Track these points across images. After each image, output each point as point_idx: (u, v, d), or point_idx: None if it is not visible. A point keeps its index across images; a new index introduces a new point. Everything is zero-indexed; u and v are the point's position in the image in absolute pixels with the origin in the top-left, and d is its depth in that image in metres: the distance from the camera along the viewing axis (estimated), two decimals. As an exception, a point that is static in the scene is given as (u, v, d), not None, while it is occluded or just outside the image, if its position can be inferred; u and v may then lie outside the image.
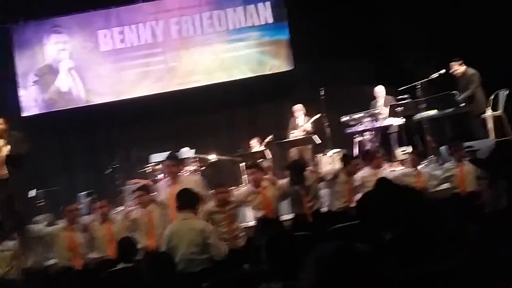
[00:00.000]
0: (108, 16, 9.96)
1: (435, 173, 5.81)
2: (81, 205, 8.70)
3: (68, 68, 9.91)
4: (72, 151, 9.91)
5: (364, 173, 5.56)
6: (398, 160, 7.55)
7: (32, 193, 7.98)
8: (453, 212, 4.55)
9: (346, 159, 5.68)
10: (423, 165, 6.93)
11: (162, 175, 8.28)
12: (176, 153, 8.53)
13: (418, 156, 5.78)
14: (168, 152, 8.39)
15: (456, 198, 5.22)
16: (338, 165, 7.21)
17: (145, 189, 5.31)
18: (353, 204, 5.42)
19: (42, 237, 4.96)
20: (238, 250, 4.76)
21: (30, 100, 9.82)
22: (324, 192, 5.51)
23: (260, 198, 5.13)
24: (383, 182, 2.83)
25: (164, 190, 5.02)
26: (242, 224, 5.25)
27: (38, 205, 7.95)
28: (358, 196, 5.41)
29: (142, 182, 8.15)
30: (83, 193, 8.90)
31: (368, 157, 5.72)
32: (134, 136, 9.75)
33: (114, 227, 4.98)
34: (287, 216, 5.38)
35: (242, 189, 5.38)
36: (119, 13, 9.97)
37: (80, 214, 5.06)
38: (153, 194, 5.23)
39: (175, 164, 5.07)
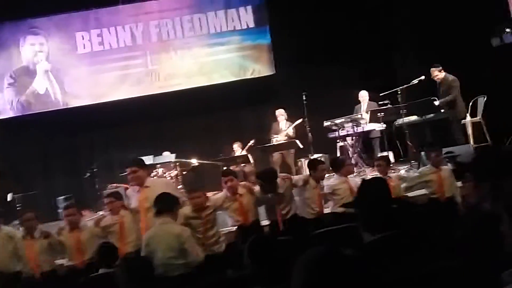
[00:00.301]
0: (86, 18, 9.82)
1: (406, 175, 5.79)
2: (59, 209, 8.58)
3: (45, 70, 9.72)
4: (50, 154, 9.72)
5: (333, 181, 5.52)
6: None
7: (9, 197, 7.78)
8: (435, 217, 4.58)
9: (312, 164, 5.60)
10: (403, 170, 6.97)
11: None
12: (158, 155, 8.47)
13: (386, 163, 5.72)
14: (150, 156, 8.37)
15: (436, 203, 5.22)
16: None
17: (116, 195, 5.18)
18: (326, 211, 5.42)
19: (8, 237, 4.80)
20: (219, 256, 4.69)
21: (6, 103, 9.60)
22: (296, 199, 5.46)
23: (237, 205, 5.07)
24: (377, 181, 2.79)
25: (134, 196, 4.89)
26: (222, 230, 5.17)
27: (16, 209, 7.73)
28: (330, 204, 5.44)
29: (122, 186, 8.04)
30: (61, 197, 8.74)
31: (337, 165, 5.64)
32: (114, 140, 9.62)
33: (83, 235, 4.86)
34: (265, 222, 5.33)
35: (219, 194, 5.28)
36: (98, 15, 9.84)
37: (37, 222, 4.88)
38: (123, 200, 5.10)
39: (137, 169, 4.79)
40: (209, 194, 5.23)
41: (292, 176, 5.74)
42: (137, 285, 2.86)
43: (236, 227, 5.16)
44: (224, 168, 7.33)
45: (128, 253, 4.61)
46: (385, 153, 7.74)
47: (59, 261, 5.13)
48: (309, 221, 5.27)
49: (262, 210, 5.35)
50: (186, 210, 4.82)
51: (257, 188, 5.22)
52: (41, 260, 4.78)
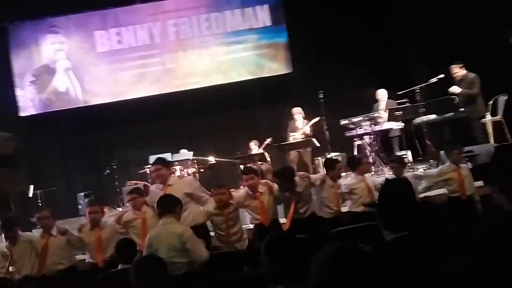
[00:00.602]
0: (105, 17, 9.93)
1: (425, 173, 5.70)
2: (79, 205, 8.71)
3: (65, 68, 9.87)
4: (70, 151, 9.87)
5: (350, 180, 5.49)
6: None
7: (30, 193, 7.92)
8: (456, 216, 4.53)
9: (329, 163, 5.57)
10: (422, 169, 6.90)
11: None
12: (176, 153, 8.52)
13: (400, 163, 5.64)
14: (168, 154, 8.44)
15: (456, 202, 5.15)
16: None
17: (138, 192, 5.26)
18: (343, 210, 5.39)
19: (28, 243, 4.89)
20: (236, 253, 4.71)
21: (27, 100, 9.77)
22: (313, 198, 5.44)
23: (257, 203, 5.07)
24: (400, 182, 2.77)
25: (156, 194, 4.96)
26: (244, 226, 5.20)
27: (37, 204, 7.88)
28: (347, 203, 5.41)
29: (140, 183, 8.14)
30: (81, 193, 8.87)
31: (353, 164, 5.60)
32: (133, 137, 9.73)
33: (104, 233, 4.92)
34: (283, 220, 5.33)
35: (240, 192, 5.30)
36: (117, 14, 9.94)
37: (53, 220, 4.95)
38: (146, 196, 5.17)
39: (161, 167, 4.89)
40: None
41: (310, 175, 5.72)
42: (147, 283, 2.87)
43: (254, 225, 5.17)
44: (243, 166, 7.38)
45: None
46: (403, 152, 7.68)
47: (80, 257, 5.20)
48: (327, 220, 5.25)
49: (280, 208, 5.35)
50: (209, 207, 4.91)
51: (275, 186, 5.23)
52: (60, 257, 4.84)
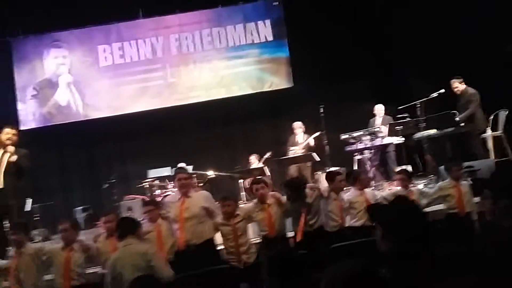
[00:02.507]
0: (108, 32, 10.01)
1: (426, 190, 5.69)
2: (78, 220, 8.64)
3: (67, 82, 9.91)
4: (69, 165, 9.85)
5: (350, 195, 5.47)
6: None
7: (28, 207, 7.87)
8: (454, 233, 4.50)
9: (330, 176, 5.56)
10: (422, 184, 6.87)
11: (159, 191, 8.24)
12: (175, 167, 8.50)
13: (407, 176, 5.63)
14: (168, 168, 8.42)
15: (454, 219, 5.13)
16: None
17: (156, 203, 5.26)
18: (346, 224, 5.36)
19: (40, 255, 4.82)
20: (237, 269, 4.69)
21: (28, 114, 9.80)
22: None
23: (265, 214, 5.06)
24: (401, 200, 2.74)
25: (172, 206, 4.95)
26: (252, 240, 5.18)
27: (34, 219, 7.83)
28: (348, 218, 5.38)
29: (139, 198, 8.10)
30: (79, 208, 8.82)
31: (352, 178, 5.59)
32: (132, 152, 9.71)
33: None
34: (290, 234, 5.29)
35: (249, 204, 5.30)
36: (119, 29, 10.02)
37: (75, 233, 4.87)
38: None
39: (188, 177, 5.01)
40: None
41: (320, 187, 5.69)
42: None
43: (261, 238, 5.15)
44: (253, 177, 7.34)
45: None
46: (403, 167, 7.66)
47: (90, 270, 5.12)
48: (331, 234, 5.22)
49: (287, 221, 5.32)
50: (217, 218, 4.97)
51: (284, 198, 5.21)
52: (75, 273, 4.71)
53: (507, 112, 7.38)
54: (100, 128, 9.63)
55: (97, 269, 5.07)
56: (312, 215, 5.14)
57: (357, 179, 5.51)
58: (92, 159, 9.90)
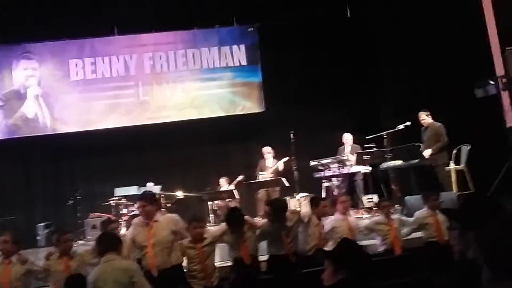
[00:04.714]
0: (81, 46, 9.91)
1: (405, 219, 5.81)
2: (38, 236, 8.40)
3: (36, 94, 9.72)
4: (34, 179, 9.57)
5: (333, 219, 5.56)
6: (364, 208, 7.66)
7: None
8: (432, 260, 4.61)
9: (315, 201, 5.65)
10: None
11: (126, 210, 8.12)
12: (143, 186, 8.40)
13: (390, 203, 5.78)
14: (135, 187, 8.29)
15: (434, 246, 5.25)
16: (305, 208, 7.25)
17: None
18: (324, 247, 5.38)
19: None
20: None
21: (-7, 125, 9.52)
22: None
23: (238, 237, 5.03)
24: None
25: (142, 229, 4.78)
26: (218, 263, 5.13)
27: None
28: (330, 243, 5.43)
29: (104, 216, 7.95)
30: (41, 224, 8.58)
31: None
32: (99, 168, 9.54)
33: (74, 263, 4.75)
34: (263, 257, 5.27)
35: (218, 226, 5.25)
36: (93, 44, 9.95)
37: (14, 246, 4.75)
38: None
39: (146, 204, 4.65)
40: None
41: (299, 211, 5.72)
42: None
43: (232, 260, 5.11)
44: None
45: None
46: (369, 196, 7.82)
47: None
48: (306, 257, 5.23)
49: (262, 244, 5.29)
50: (185, 240, 4.85)
51: (258, 224, 5.18)
52: (19, 286, 4.64)
53: (469, 147, 7.67)
54: (68, 143, 9.43)
55: None
56: (290, 239, 5.16)
57: (335, 203, 5.61)
58: (58, 174, 9.64)
